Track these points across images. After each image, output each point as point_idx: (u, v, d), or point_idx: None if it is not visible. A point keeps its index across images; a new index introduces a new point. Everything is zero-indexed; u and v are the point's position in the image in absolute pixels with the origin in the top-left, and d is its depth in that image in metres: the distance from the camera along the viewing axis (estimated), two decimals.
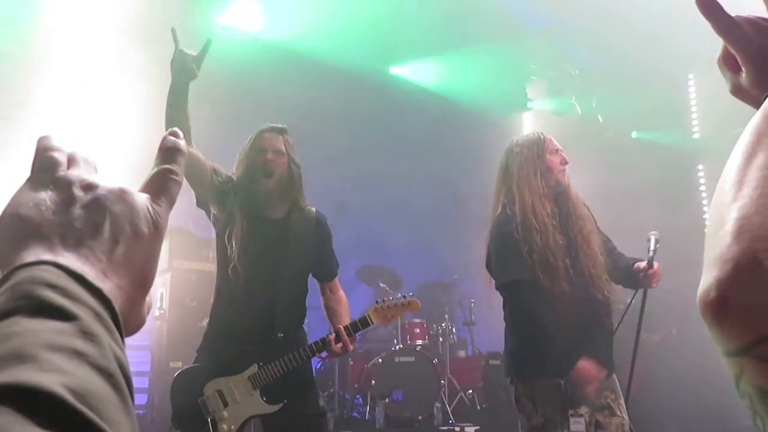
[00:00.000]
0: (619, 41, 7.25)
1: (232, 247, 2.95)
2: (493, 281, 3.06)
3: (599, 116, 8.97)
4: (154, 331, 5.29)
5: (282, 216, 3.14)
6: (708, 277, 0.55)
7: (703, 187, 8.73)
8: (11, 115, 5.67)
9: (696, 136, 8.56)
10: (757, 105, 0.69)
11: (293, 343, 2.98)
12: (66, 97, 5.75)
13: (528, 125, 9.78)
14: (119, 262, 0.47)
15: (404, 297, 3.25)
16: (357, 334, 3.16)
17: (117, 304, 0.43)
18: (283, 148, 3.17)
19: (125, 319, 0.44)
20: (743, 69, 0.72)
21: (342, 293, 3.33)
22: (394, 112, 7.97)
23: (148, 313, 0.52)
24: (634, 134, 9.35)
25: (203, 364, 2.99)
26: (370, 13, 6.88)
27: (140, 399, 5.57)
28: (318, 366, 6.47)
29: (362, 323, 3.08)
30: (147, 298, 0.51)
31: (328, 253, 3.28)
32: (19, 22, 5.71)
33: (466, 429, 5.48)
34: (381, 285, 6.64)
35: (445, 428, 5.48)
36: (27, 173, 0.51)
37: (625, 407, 2.88)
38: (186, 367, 3.05)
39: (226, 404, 2.87)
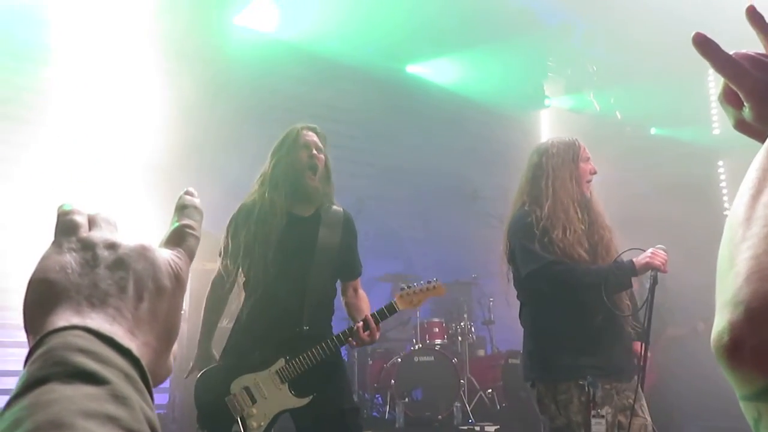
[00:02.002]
0: (637, 37, 7.19)
1: (267, 243, 2.97)
2: (512, 277, 3.08)
3: (618, 113, 8.91)
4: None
5: (311, 213, 3.15)
6: (720, 320, 0.55)
7: (723, 183, 8.64)
8: (30, 119, 5.75)
9: (716, 132, 8.47)
10: (761, 138, 0.71)
11: (320, 336, 2.96)
12: (85, 100, 5.82)
13: (546, 123, 9.74)
14: (144, 319, 0.49)
15: (429, 282, 3.23)
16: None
17: (145, 361, 0.45)
18: (321, 145, 3.25)
19: (153, 372, 0.46)
20: (746, 104, 0.73)
21: (363, 292, 3.33)
22: (411, 111, 7.98)
23: (174, 361, 0.54)
24: (653, 131, 9.27)
25: (227, 362, 2.99)
26: (386, 13, 6.89)
27: (162, 399, 5.62)
28: None
29: (389, 310, 3.06)
30: (173, 347, 0.53)
31: (353, 251, 3.30)
32: (38, 25, 5.79)
33: (486, 428, 5.47)
34: (400, 285, 6.62)
35: (465, 428, 5.47)
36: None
37: (647, 408, 2.88)
38: (209, 366, 3.04)
39: (254, 401, 2.86)
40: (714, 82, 8.28)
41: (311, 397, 2.90)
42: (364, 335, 2.96)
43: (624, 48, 7.89)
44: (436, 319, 6.32)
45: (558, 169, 3.04)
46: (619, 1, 6.73)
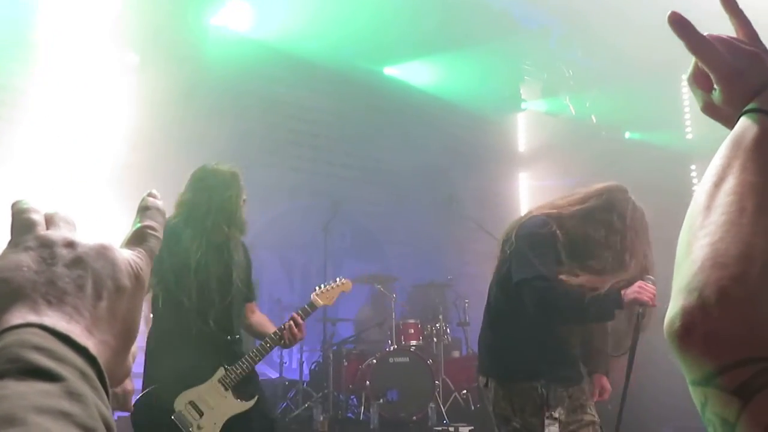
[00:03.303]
0: (613, 42, 7.28)
1: (187, 266, 3.06)
2: (496, 268, 3.01)
3: (593, 117, 9.00)
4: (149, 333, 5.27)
5: (223, 239, 3.21)
6: (674, 305, 0.56)
7: (695, 187, 8.75)
8: (8, 116, 5.65)
9: (689, 136, 8.60)
10: (729, 123, 0.71)
11: (248, 343, 3.18)
12: (59, 98, 5.74)
13: (522, 126, 9.81)
14: (103, 317, 0.48)
15: (339, 279, 3.54)
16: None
17: (102, 359, 0.44)
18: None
19: (110, 372, 0.45)
20: (716, 87, 0.73)
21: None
22: (388, 114, 7.99)
23: (133, 361, 0.53)
24: (627, 135, 9.38)
25: (160, 384, 2.99)
26: (363, 14, 6.89)
27: (134, 400, 5.56)
28: (312, 367, 6.47)
29: (310, 307, 3.35)
30: (132, 348, 0.52)
31: (251, 276, 3.43)
32: (13, 23, 5.69)
33: (461, 429, 5.49)
34: (376, 286, 6.64)
35: (440, 428, 5.49)
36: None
37: (593, 407, 2.92)
38: (142, 393, 3.02)
39: (201, 413, 2.95)
40: (687, 87, 8.41)
41: (255, 398, 3.06)
42: (297, 332, 3.16)
43: (599, 52, 7.98)
44: (412, 321, 6.33)
45: (639, 231, 2.93)
46: (595, 7, 6.79)
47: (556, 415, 2.77)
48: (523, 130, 9.78)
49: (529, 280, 2.78)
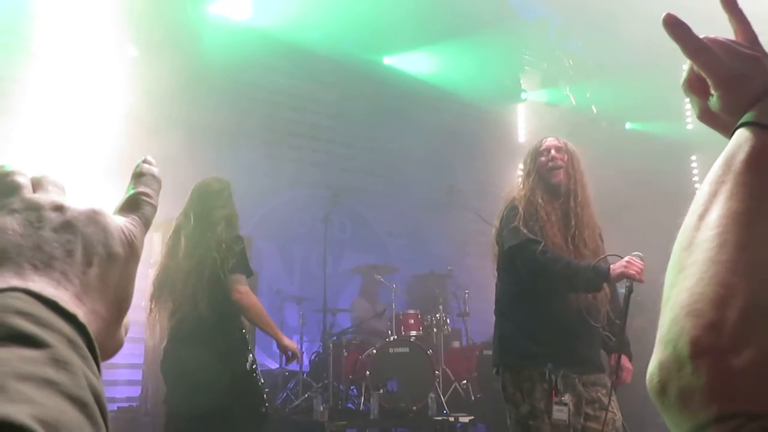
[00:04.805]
0: (613, 32, 7.25)
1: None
2: (497, 259, 3.13)
3: (593, 107, 8.98)
4: (148, 324, 5.27)
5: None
6: (653, 359, 0.53)
7: (696, 177, 8.77)
8: (3, 107, 5.63)
9: (689, 126, 8.59)
10: (726, 130, 0.67)
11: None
12: (55, 87, 5.71)
13: (522, 116, 9.78)
14: (93, 286, 0.45)
15: None
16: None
17: (92, 329, 0.41)
18: None
19: (101, 344, 0.42)
20: (714, 93, 0.69)
21: None
22: (388, 103, 7.96)
23: (125, 335, 0.50)
24: (628, 125, 9.37)
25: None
26: (362, 3, 6.86)
27: (134, 391, 5.58)
28: (312, 357, 6.48)
29: None
30: (124, 320, 0.50)
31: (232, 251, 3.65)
32: (9, 13, 5.66)
33: (461, 419, 5.50)
34: (376, 276, 6.65)
35: (440, 418, 5.50)
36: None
37: (617, 405, 2.91)
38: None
39: None
40: None
41: None
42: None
43: (600, 43, 7.95)
44: (412, 311, 6.33)
45: (522, 171, 3.25)
46: None
47: (566, 400, 2.80)
48: (523, 121, 9.74)
49: (520, 244, 2.91)
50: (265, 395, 3.44)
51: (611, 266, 2.79)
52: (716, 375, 0.48)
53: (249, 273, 3.46)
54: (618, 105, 8.83)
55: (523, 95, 9.52)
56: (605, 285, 2.89)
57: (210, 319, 3.27)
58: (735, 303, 0.50)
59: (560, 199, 3.04)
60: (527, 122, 9.70)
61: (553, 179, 3.05)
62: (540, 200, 3.00)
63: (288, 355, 3.62)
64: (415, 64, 8.46)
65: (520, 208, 2.99)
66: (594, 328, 2.96)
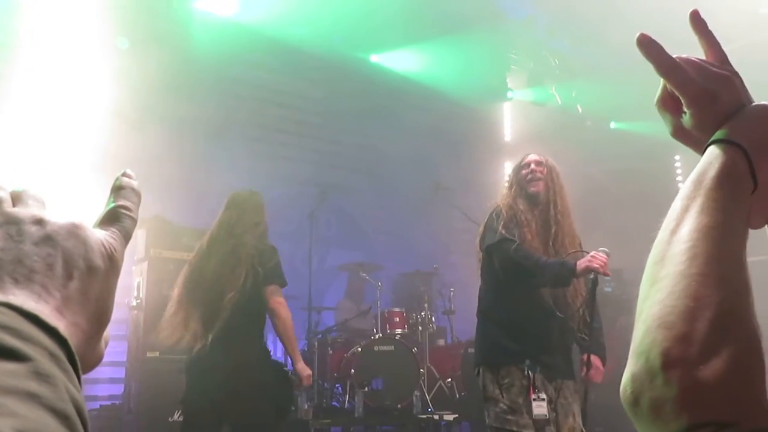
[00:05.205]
0: (599, 32, 7.29)
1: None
2: (481, 261, 3.34)
3: (578, 107, 9.03)
4: (131, 321, 5.24)
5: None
6: (627, 371, 0.54)
7: (679, 177, 8.86)
8: None
9: None
10: (698, 147, 0.69)
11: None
12: (40, 82, 5.65)
13: (508, 115, 9.82)
14: (74, 299, 0.45)
15: None
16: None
17: (73, 342, 0.41)
18: None
19: (82, 357, 0.43)
20: (687, 111, 0.71)
21: None
22: (375, 101, 7.95)
23: (105, 347, 0.50)
24: (612, 125, 9.43)
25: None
26: (349, 1, 6.84)
27: (117, 389, 5.53)
28: None
29: None
30: (104, 333, 0.50)
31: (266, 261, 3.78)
32: None
33: (445, 417, 5.51)
34: (362, 274, 6.65)
35: (425, 416, 5.51)
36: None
37: (579, 412, 3.10)
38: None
39: None
40: None
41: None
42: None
43: (586, 43, 7.99)
44: (397, 309, 6.34)
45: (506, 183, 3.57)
46: None
47: (543, 396, 2.96)
48: (509, 119, 9.78)
49: (496, 243, 3.15)
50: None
51: (578, 262, 2.99)
52: (686, 385, 0.49)
53: (284, 283, 3.61)
54: (603, 105, 8.88)
55: (509, 94, 9.55)
56: (576, 281, 3.10)
57: (246, 326, 3.45)
58: (704, 315, 0.51)
59: (539, 207, 3.26)
60: (513, 121, 9.74)
61: (532, 189, 3.28)
62: (521, 207, 3.24)
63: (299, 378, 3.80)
64: (402, 62, 8.45)
65: (503, 213, 3.22)
66: (566, 334, 3.17)
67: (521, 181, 3.35)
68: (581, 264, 2.95)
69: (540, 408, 2.91)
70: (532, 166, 3.36)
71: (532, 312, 3.12)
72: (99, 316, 0.48)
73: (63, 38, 5.77)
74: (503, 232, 3.13)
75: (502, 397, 3.01)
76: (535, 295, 3.14)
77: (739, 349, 0.50)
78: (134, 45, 6.14)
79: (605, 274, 2.94)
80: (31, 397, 0.35)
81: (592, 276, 2.97)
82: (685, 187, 0.62)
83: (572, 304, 3.15)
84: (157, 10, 6.41)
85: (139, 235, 5.14)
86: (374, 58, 8.43)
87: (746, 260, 0.56)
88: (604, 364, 3.19)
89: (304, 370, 3.78)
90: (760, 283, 0.69)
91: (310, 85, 7.86)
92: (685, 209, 0.59)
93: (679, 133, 0.74)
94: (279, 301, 3.53)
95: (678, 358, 0.50)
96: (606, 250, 2.99)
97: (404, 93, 8.29)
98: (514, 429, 2.93)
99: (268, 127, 7.63)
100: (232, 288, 3.36)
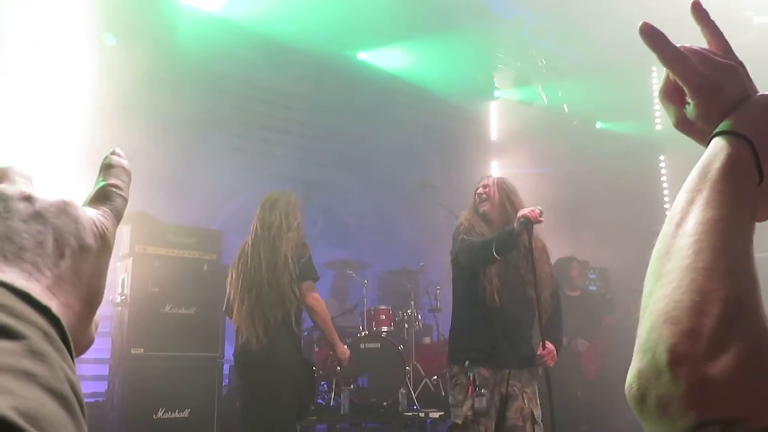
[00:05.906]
0: (586, 32, 7.33)
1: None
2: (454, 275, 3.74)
3: (565, 106, 9.07)
4: (115, 318, 5.20)
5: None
6: (632, 368, 0.53)
7: (664, 177, 8.93)
8: None
9: (658, 127, 8.72)
10: (702, 139, 0.67)
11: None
12: (23, 76, 5.59)
13: (495, 114, 9.84)
14: (66, 278, 0.44)
15: None
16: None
17: (65, 322, 0.40)
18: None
19: (74, 339, 0.41)
20: (691, 101, 0.70)
21: None
22: (361, 98, 7.94)
23: (96, 330, 0.49)
24: (598, 124, 9.48)
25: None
26: None
27: (100, 386, 5.49)
28: None
29: None
30: (95, 316, 0.48)
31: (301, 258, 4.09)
32: None
33: (431, 414, 5.53)
34: (348, 272, 6.64)
35: (410, 414, 5.52)
36: None
37: (535, 397, 3.46)
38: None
39: None
40: (657, 78, 8.51)
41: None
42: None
43: (572, 42, 8.03)
44: (383, 307, 6.34)
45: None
46: None
47: (483, 392, 3.32)
48: (496, 118, 9.81)
49: (458, 245, 3.53)
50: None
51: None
52: (694, 382, 0.49)
53: (317, 278, 3.97)
54: (589, 105, 8.93)
55: (496, 93, 9.58)
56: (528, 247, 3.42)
57: (287, 322, 3.74)
58: (711, 310, 0.50)
59: (491, 224, 3.62)
60: (500, 120, 9.77)
61: (481, 208, 3.70)
62: (480, 223, 3.65)
63: (340, 360, 4.21)
64: (389, 59, 8.45)
65: (464, 228, 3.65)
66: (521, 327, 3.51)
67: (475, 201, 3.78)
68: (518, 216, 3.31)
69: (479, 402, 3.29)
70: (479, 189, 3.78)
71: (486, 311, 3.44)
72: (91, 298, 0.46)
73: (47, 32, 5.71)
74: (464, 236, 3.54)
75: (452, 392, 3.48)
76: (491, 294, 3.45)
77: (747, 344, 0.49)
78: (119, 40, 6.09)
79: (538, 220, 3.28)
80: (27, 375, 0.34)
81: (522, 220, 3.27)
82: (689, 180, 0.61)
83: (529, 293, 3.45)
84: (141, 3, 6.35)
85: (123, 232, 5.09)
86: (361, 56, 8.42)
87: (753, 254, 0.56)
88: (559, 348, 3.54)
89: (345, 352, 4.15)
90: (766, 280, 0.69)
91: (297, 82, 7.83)
92: (690, 202, 0.58)
93: (683, 125, 0.72)
94: (315, 297, 3.86)
95: (685, 354, 0.49)
96: (540, 208, 3.33)
97: (391, 91, 8.29)
98: (457, 422, 3.39)
99: (254, 123, 7.60)
100: (276, 284, 3.68)
